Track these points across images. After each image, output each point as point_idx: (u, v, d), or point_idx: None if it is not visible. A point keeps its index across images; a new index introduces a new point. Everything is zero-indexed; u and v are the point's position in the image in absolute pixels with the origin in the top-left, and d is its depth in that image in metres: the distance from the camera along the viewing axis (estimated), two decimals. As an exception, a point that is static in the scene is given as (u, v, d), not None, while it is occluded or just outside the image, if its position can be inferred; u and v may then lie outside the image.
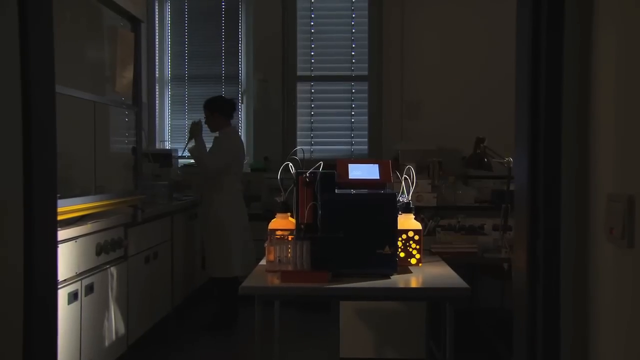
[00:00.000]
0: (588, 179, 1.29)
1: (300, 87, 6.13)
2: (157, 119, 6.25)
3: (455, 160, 5.56)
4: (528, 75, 1.39)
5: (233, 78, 6.23)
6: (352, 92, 6.11)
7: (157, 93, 6.27)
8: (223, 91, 6.21)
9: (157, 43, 6.23)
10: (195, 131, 4.58)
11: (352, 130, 6.09)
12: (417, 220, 2.84)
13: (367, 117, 6.06)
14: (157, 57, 6.24)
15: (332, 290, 2.42)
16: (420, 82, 5.87)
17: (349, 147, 6.09)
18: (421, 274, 2.66)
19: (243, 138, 6.20)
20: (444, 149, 5.54)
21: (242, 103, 6.22)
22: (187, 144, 4.69)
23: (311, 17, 6.10)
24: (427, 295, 2.45)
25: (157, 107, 6.26)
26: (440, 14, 5.84)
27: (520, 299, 1.38)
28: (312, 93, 6.13)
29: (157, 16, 6.21)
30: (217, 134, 4.73)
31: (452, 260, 3.08)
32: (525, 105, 1.40)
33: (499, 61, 5.67)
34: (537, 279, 1.29)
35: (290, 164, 2.79)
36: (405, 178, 2.81)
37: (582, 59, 1.34)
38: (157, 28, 6.22)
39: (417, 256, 2.73)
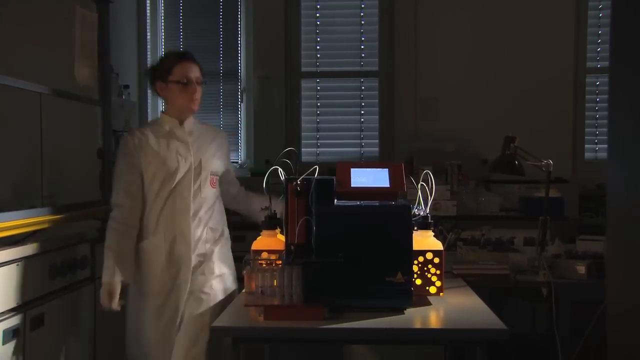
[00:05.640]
0: None
1: (305, 84, 5.62)
2: (149, 119, 5.75)
3: (476, 162, 5.04)
4: None
5: (232, 74, 5.71)
6: (362, 89, 5.60)
7: (149, 92, 5.76)
8: (221, 89, 5.72)
9: (149, 37, 5.74)
10: None
11: (362, 130, 5.58)
12: (435, 234, 2.30)
13: (377, 117, 5.54)
14: (149, 53, 5.73)
15: (330, 332, 1.89)
16: (435, 77, 5.36)
17: (358, 149, 5.57)
18: (443, 306, 2.13)
19: (242, 139, 5.74)
20: (462, 151, 5.03)
21: (241, 102, 5.73)
22: None
23: (317, 8, 5.61)
24: (452, 337, 1.93)
25: (149, 107, 5.76)
26: (457, 2, 5.33)
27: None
28: (317, 90, 5.62)
29: (148, 8, 5.72)
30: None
31: (478, 283, 2.55)
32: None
33: (524, 53, 5.18)
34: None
35: (280, 168, 2.26)
36: (422, 185, 2.26)
37: None
38: (148, 21, 5.73)
39: (438, 284, 2.18)
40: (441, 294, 2.19)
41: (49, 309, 2.53)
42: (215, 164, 2.73)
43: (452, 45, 5.32)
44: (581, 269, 2.65)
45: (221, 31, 5.73)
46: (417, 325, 1.93)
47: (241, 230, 4.70)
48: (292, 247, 2.04)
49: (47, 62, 2.75)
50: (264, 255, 2.13)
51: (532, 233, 3.32)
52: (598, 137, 5.36)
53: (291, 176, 2.12)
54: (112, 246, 2.49)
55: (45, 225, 2.47)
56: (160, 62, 2.72)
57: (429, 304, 2.14)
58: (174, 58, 2.68)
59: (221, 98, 5.68)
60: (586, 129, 5.34)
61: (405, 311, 2.01)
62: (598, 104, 5.36)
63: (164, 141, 2.62)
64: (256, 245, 2.22)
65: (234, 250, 4.67)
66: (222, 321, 1.95)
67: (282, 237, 2.21)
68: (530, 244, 3.16)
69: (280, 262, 2.02)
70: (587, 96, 5.33)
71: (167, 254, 2.54)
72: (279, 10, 5.53)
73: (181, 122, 2.69)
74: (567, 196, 4.43)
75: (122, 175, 2.57)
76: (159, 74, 2.66)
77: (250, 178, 5.37)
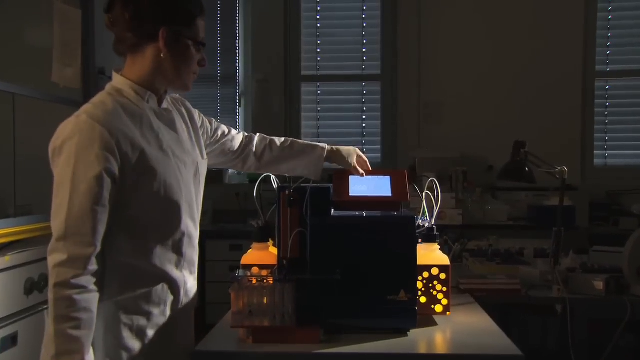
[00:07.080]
0: None
1: (305, 87, 5.49)
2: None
3: (481, 169, 4.88)
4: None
5: (230, 78, 5.57)
6: (364, 94, 5.46)
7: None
8: (219, 93, 5.56)
9: (144, 40, 5.58)
10: None
11: (364, 136, 5.43)
12: (440, 245, 2.11)
13: (380, 122, 5.39)
14: (144, 55, 5.58)
15: (325, 357, 1.70)
16: (439, 81, 5.20)
17: (360, 155, 5.40)
18: (450, 326, 1.94)
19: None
20: (468, 157, 4.85)
21: (239, 106, 5.57)
22: None
23: (317, 10, 5.47)
24: (460, 364, 1.75)
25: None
26: (462, 5, 5.17)
27: None
28: (318, 95, 5.49)
29: (144, 9, 5.57)
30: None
31: (488, 299, 2.37)
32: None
33: (531, 56, 5.03)
34: None
35: (273, 176, 2.08)
36: (427, 194, 2.08)
37: None
38: (144, 23, 5.58)
39: (444, 302, 2.00)
40: (448, 312, 2.01)
41: (23, 327, 2.35)
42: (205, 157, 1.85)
43: (457, 48, 5.16)
44: (599, 284, 2.46)
45: (219, 34, 5.58)
46: (422, 350, 1.75)
47: (238, 239, 4.56)
48: (285, 262, 1.86)
49: (25, 60, 2.58)
50: (254, 270, 1.94)
51: (543, 244, 3.15)
52: (607, 143, 5.18)
53: (284, 184, 1.94)
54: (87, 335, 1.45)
55: (20, 237, 2.30)
56: (173, 2, 1.63)
57: (435, 324, 1.95)
58: (196, 6, 1.68)
59: (219, 102, 5.54)
60: (595, 135, 5.16)
61: (408, 333, 1.83)
62: (608, 109, 5.18)
63: (151, 134, 1.60)
64: (246, 259, 2.03)
65: (230, 259, 4.50)
66: (206, 344, 1.76)
67: (274, 251, 2.03)
68: (542, 256, 2.98)
69: (271, 278, 1.84)
70: (596, 100, 5.16)
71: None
72: (279, 12, 5.39)
73: (159, 100, 1.69)
74: (577, 204, 4.25)
75: (90, 196, 1.44)
76: (172, 18, 1.61)
77: (248, 184, 5.21)
